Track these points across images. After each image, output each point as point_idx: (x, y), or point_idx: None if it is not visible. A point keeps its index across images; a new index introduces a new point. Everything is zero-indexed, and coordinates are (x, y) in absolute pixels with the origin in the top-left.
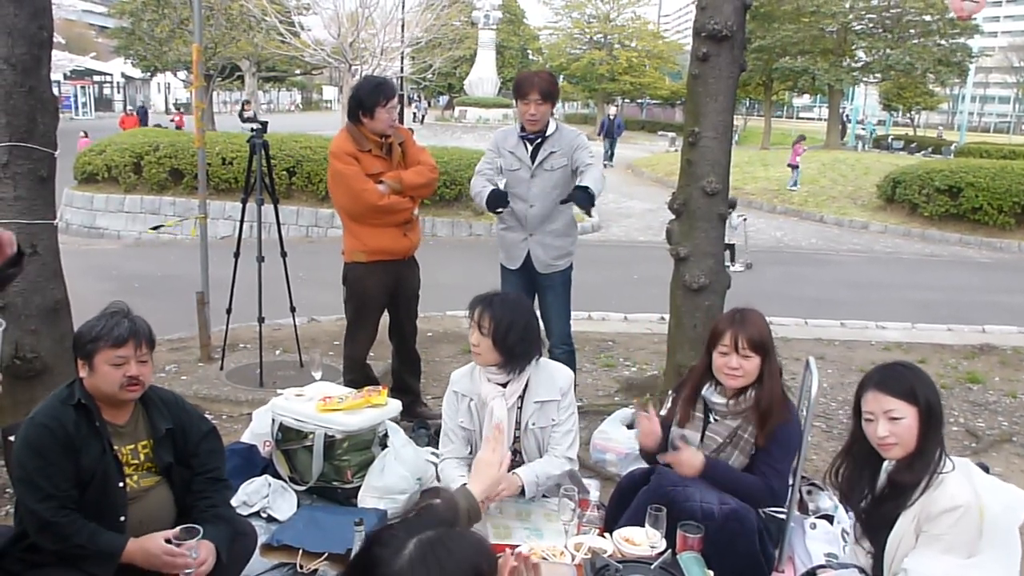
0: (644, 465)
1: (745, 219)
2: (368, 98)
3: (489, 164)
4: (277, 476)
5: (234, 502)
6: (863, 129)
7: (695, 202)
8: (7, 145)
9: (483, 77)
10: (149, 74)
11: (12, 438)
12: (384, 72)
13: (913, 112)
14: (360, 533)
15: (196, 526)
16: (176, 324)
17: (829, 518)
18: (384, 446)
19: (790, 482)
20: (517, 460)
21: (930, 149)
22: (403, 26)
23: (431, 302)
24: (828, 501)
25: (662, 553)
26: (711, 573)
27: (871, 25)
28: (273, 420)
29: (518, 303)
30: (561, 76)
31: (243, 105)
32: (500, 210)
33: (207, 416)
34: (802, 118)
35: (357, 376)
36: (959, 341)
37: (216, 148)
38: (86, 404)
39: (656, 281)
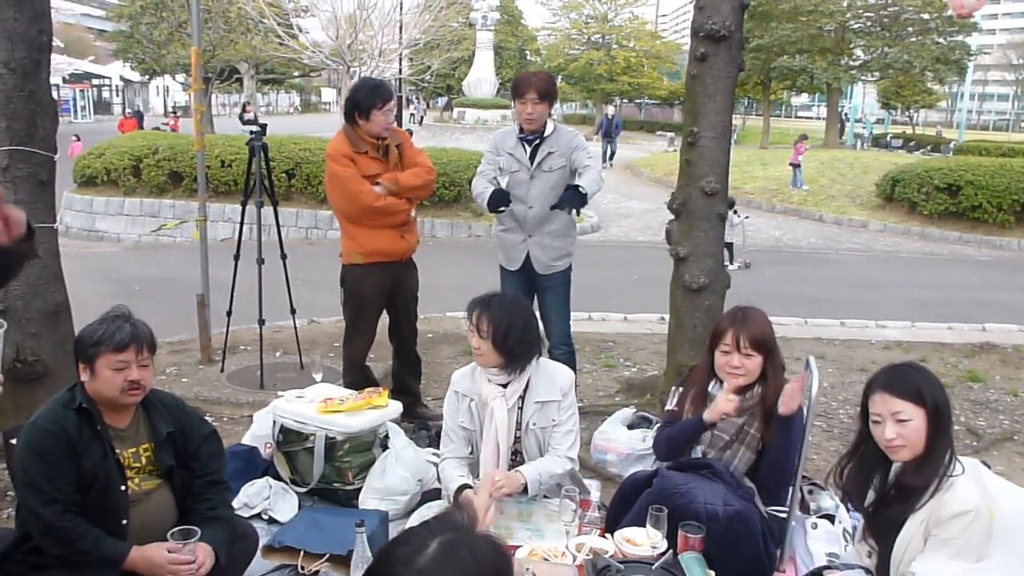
0: (646, 467)
1: (747, 217)
2: (365, 100)
3: (490, 164)
4: (278, 478)
5: (235, 504)
6: (862, 128)
7: (694, 202)
8: (7, 149)
9: (481, 78)
10: (148, 77)
11: (13, 441)
12: (382, 74)
13: (912, 110)
14: (361, 534)
15: (193, 527)
16: (176, 326)
17: (830, 518)
18: (385, 447)
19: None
20: (518, 460)
21: (929, 147)
22: (401, 28)
23: (431, 303)
24: (829, 501)
25: (663, 553)
26: (712, 573)
27: (869, 23)
28: (274, 422)
29: (516, 303)
30: (559, 77)
31: (243, 107)
32: (502, 209)
33: (208, 418)
34: (800, 117)
35: (357, 378)
36: (959, 340)
37: (215, 151)
38: (87, 408)
39: (656, 281)
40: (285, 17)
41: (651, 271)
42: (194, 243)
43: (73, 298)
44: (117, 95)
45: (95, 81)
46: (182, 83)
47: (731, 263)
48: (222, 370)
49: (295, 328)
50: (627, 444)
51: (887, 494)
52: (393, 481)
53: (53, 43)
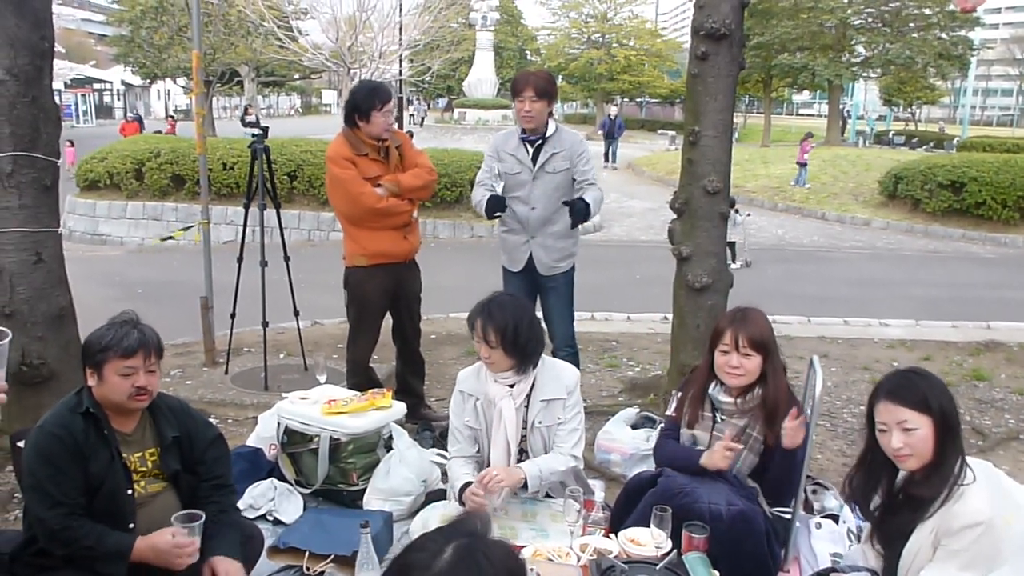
0: (650, 467)
1: (748, 216)
2: (364, 102)
3: (488, 172)
4: (283, 479)
5: (240, 505)
6: (864, 125)
7: (696, 201)
8: (11, 155)
9: (482, 78)
10: (149, 81)
11: (20, 444)
12: (383, 75)
13: (914, 107)
14: (366, 535)
15: (197, 511)
16: (180, 329)
17: (834, 517)
18: (389, 448)
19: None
20: (523, 459)
21: (932, 144)
22: (401, 29)
23: (434, 304)
24: (833, 500)
25: (667, 554)
26: (717, 574)
27: (870, 20)
28: (279, 423)
29: (514, 303)
30: (560, 76)
31: (245, 109)
32: (498, 215)
33: (212, 420)
34: (802, 114)
35: (361, 379)
36: (964, 338)
37: (217, 153)
38: (94, 413)
39: (658, 281)
40: (285, 20)
41: (654, 270)
42: (197, 246)
43: (77, 302)
44: (119, 99)
45: (96, 85)
46: (183, 87)
47: (734, 262)
48: (226, 372)
49: (299, 330)
50: (631, 444)
51: (895, 501)
52: (397, 482)
53: (55, 49)
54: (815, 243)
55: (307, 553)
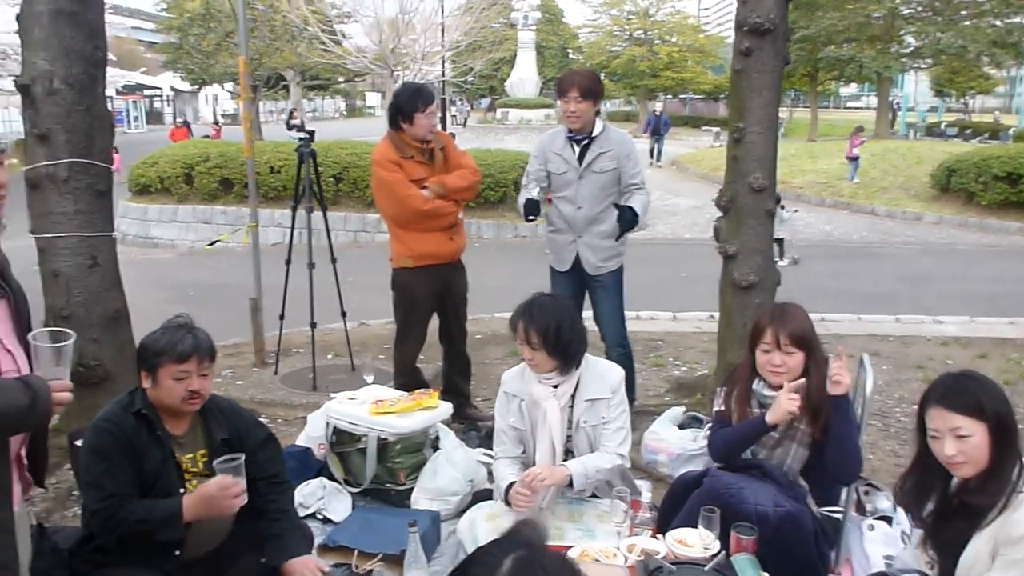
0: (697, 468)
1: (796, 211)
2: (407, 105)
3: (533, 175)
4: (332, 478)
5: None
6: (915, 116)
7: (742, 198)
8: (67, 161)
9: (524, 78)
10: (197, 87)
11: (78, 442)
12: (425, 77)
13: (967, 97)
14: (414, 534)
15: (236, 454)
16: (231, 330)
17: (887, 519)
18: (436, 448)
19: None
20: (569, 459)
21: (986, 135)
22: (443, 30)
23: (478, 304)
24: (886, 502)
25: (716, 555)
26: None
27: (920, 8)
28: (327, 423)
29: (555, 303)
30: (602, 74)
31: (290, 113)
32: (531, 218)
33: (262, 420)
34: (849, 108)
35: (408, 379)
36: (1021, 335)
37: (264, 157)
38: (146, 413)
39: (704, 279)
40: (329, 24)
41: (699, 269)
42: (246, 248)
43: (131, 304)
44: (168, 105)
45: (147, 92)
46: (230, 92)
47: (782, 259)
48: (276, 372)
49: (346, 330)
50: (678, 444)
51: (949, 508)
52: (444, 482)
53: (107, 57)
54: (865, 239)
55: (356, 551)
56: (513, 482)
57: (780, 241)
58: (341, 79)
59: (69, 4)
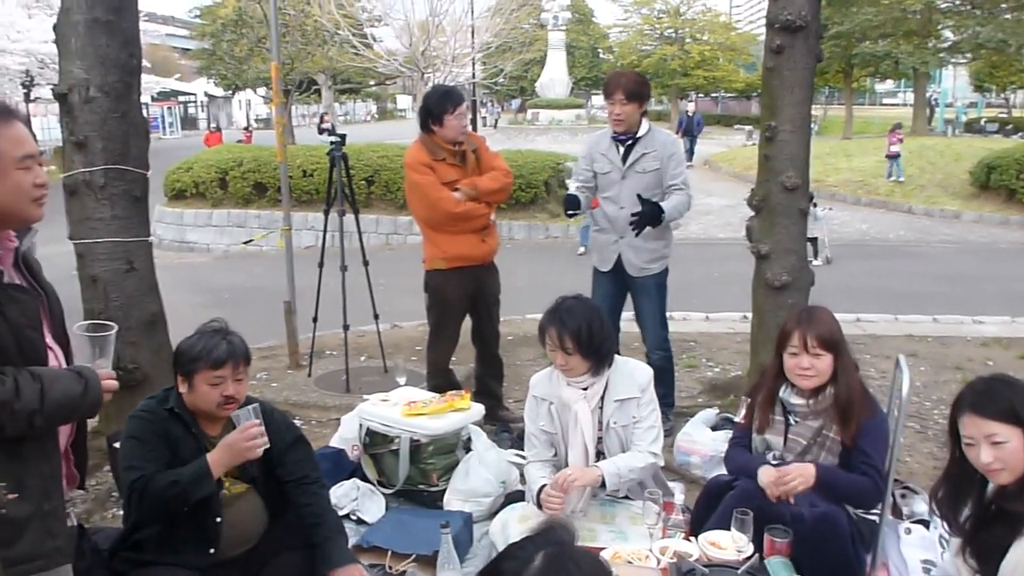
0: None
1: (829, 210)
2: (436, 107)
3: (578, 174)
4: (365, 479)
5: None
6: (953, 113)
7: (774, 198)
8: (103, 168)
9: (554, 78)
10: (230, 92)
11: (117, 444)
12: (456, 79)
13: (1008, 92)
14: (447, 535)
15: (250, 399)
16: (265, 333)
17: (925, 523)
18: (468, 450)
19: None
20: (600, 460)
21: None
22: (473, 32)
23: (510, 305)
24: (923, 505)
25: (749, 558)
26: None
27: (958, 2)
28: (360, 425)
29: (581, 304)
30: None
31: (321, 117)
32: (572, 213)
33: (296, 422)
34: (885, 104)
35: (440, 381)
36: None
37: (297, 161)
38: (179, 413)
39: (737, 279)
40: (359, 27)
41: (732, 269)
42: (279, 252)
43: (167, 307)
44: (202, 111)
45: (181, 98)
46: (263, 97)
47: (816, 259)
48: (310, 375)
49: (378, 332)
50: (711, 446)
51: (987, 514)
52: (476, 483)
53: (142, 64)
54: (901, 238)
55: (389, 552)
56: (545, 485)
57: (814, 240)
58: (372, 82)
59: (104, 13)
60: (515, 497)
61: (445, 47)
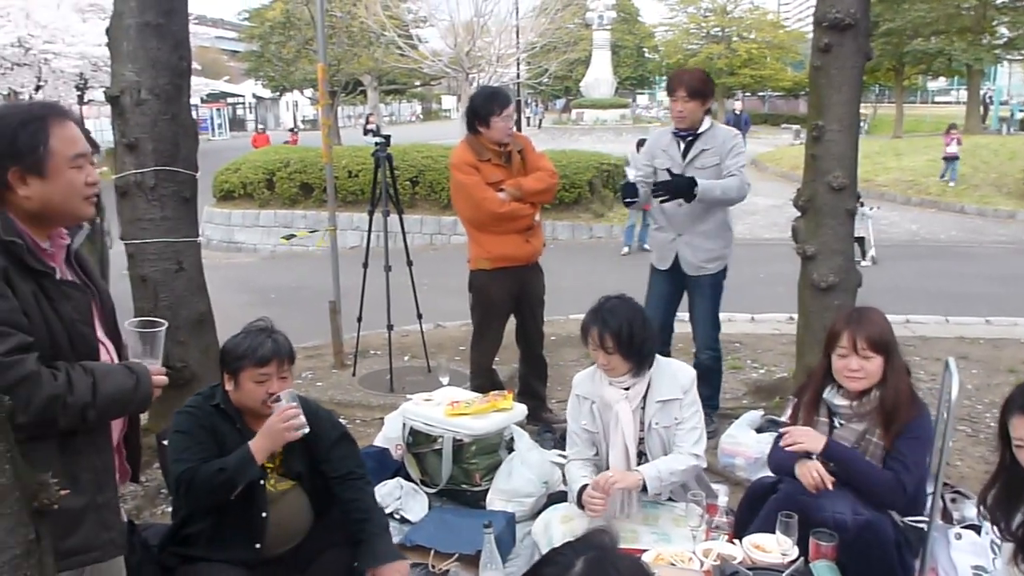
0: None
1: (875, 209)
2: (483, 108)
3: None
4: (409, 479)
5: None
6: (1007, 110)
7: (821, 198)
8: (153, 169)
9: (599, 78)
10: (278, 93)
11: (166, 442)
12: (500, 79)
13: None
14: (489, 535)
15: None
16: (310, 332)
17: (976, 528)
18: (511, 450)
19: (930, 489)
20: (642, 461)
21: None
22: (518, 32)
23: (553, 306)
24: (974, 510)
25: (794, 561)
26: None
27: None
28: (404, 424)
29: (624, 303)
30: None
31: (367, 118)
32: (629, 200)
33: (341, 421)
34: (937, 102)
35: (484, 381)
36: None
37: (343, 162)
38: (224, 408)
39: (783, 280)
40: (405, 28)
41: (778, 269)
42: (325, 252)
43: (215, 307)
44: (250, 112)
45: (230, 100)
46: (310, 98)
47: (863, 259)
48: (354, 374)
49: (422, 332)
50: (755, 448)
51: None
52: (519, 483)
53: (191, 67)
54: (953, 238)
55: (432, 551)
56: (585, 485)
57: (860, 240)
58: (417, 83)
59: (155, 17)
60: (558, 497)
61: (490, 47)
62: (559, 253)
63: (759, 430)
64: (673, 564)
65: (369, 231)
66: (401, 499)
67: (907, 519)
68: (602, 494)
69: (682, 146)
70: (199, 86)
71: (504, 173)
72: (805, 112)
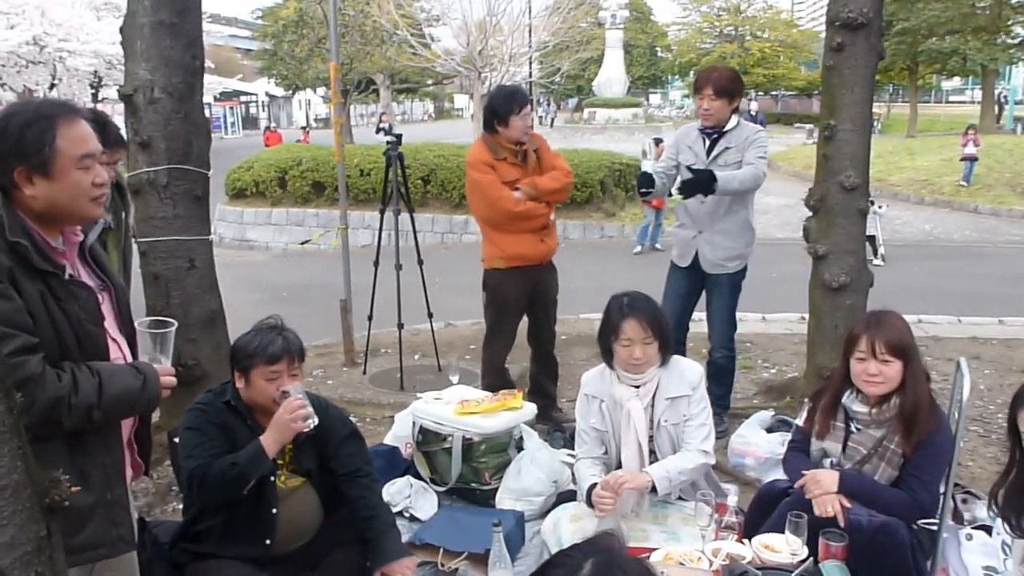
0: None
1: (883, 207)
2: (502, 107)
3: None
4: (418, 477)
5: None
6: (1022, 110)
7: (833, 198)
8: (166, 168)
9: (611, 77)
10: (291, 92)
11: (177, 439)
12: (513, 78)
13: None
14: (498, 534)
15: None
16: (321, 330)
17: (987, 529)
18: (520, 449)
19: (941, 490)
20: (652, 460)
21: None
22: (530, 31)
23: (564, 305)
24: (985, 511)
25: (803, 561)
26: None
27: None
28: (414, 423)
29: (644, 297)
30: (691, 72)
31: (380, 117)
32: (645, 191)
33: (352, 419)
34: (952, 102)
35: (495, 380)
36: None
37: (355, 160)
38: (235, 405)
39: (795, 279)
40: (418, 27)
41: (790, 269)
42: (336, 250)
43: (227, 305)
44: (263, 110)
45: (243, 98)
46: (323, 96)
47: (875, 257)
48: (364, 372)
49: (432, 331)
50: (766, 448)
51: None
52: (528, 482)
53: (205, 65)
54: (966, 238)
55: (442, 550)
56: (595, 484)
57: (871, 238)
58: (430, 82)
59: (169, 16)
60: (567, 496)
61: (502, 46)
62: (570, 252)
63: (770, 430)
64: (682, 563)
65: (380, 229)
66: (410, 497)
67: (920, 522)
68: (612, 493)
69: (707, 143)
70: (212, 84)
71: (520, 172)
72: (818, 111)
